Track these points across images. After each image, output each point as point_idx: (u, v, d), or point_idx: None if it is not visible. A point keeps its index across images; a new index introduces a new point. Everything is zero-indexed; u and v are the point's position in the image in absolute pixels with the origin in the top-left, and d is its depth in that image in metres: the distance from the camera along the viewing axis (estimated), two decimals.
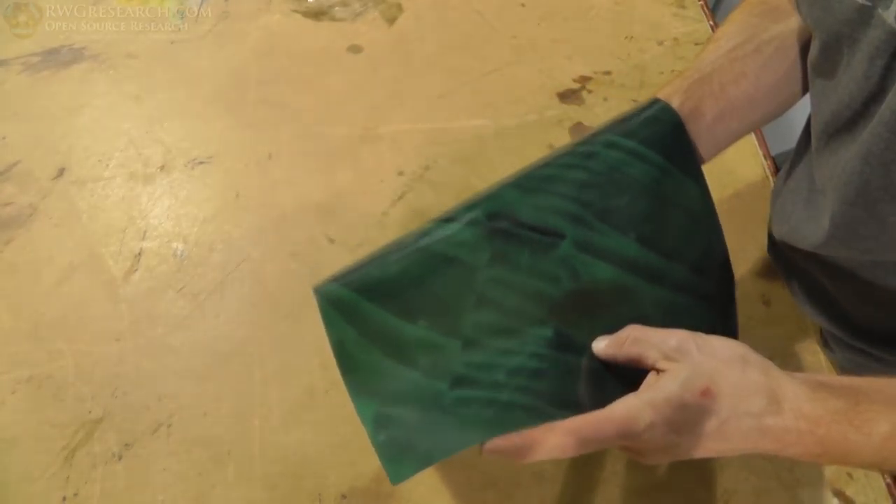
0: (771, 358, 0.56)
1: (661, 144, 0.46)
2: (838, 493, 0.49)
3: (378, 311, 0.40)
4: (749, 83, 0.48)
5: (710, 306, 0.46)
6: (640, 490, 0.50)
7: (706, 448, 0.36)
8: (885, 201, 0.38)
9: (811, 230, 0.47)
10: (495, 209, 0.43)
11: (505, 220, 0.42)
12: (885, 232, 0.39)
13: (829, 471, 0.50)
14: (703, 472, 0.50)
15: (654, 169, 0.46)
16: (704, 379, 0.35)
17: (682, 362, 0.36)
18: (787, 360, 0.55)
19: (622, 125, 0.47)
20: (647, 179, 0.46)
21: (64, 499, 0.49)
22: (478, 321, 0.40)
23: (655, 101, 0.48)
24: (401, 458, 0.36)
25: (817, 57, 0.43)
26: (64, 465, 0.51)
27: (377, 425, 0.37)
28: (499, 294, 0.41)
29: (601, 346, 0.40)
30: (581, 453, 0.35)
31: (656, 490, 0.50)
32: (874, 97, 0.37)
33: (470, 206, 0.43)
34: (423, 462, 0.36)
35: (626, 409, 0.35)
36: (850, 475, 0.50)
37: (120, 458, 0.51)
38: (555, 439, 0.34)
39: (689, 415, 0.34)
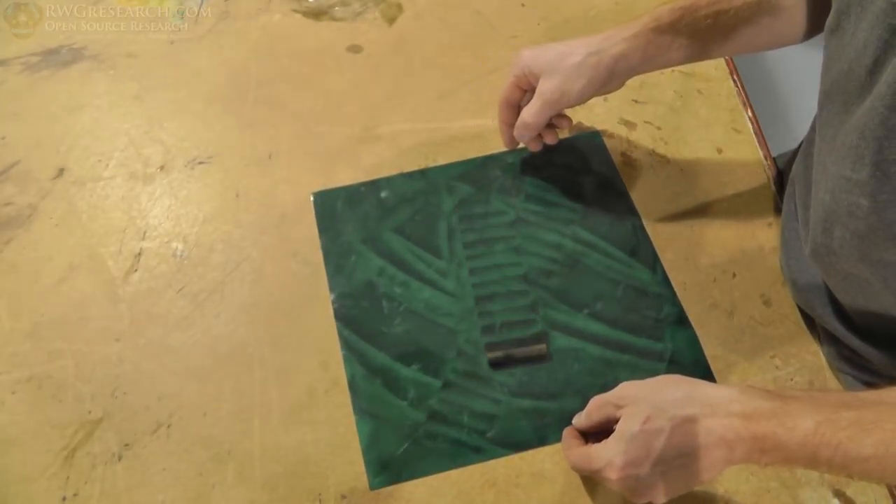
0: (771, 358, 0.56)
1: (624, 241, 0.60)
2: (838, 494, 0.49)
3: (385, 357, 0.55)
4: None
5: (661, 363, 0.55)
6: None
7: (671, 467, 0.39)
8: (875, 178, 0.38)
9: (801, 246, 0.47)
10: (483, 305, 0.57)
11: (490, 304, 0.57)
12: (876, 212, 0.40)
13: None
14: None
15: (613, 261, 0.59)
16: (645, 410, 0.41)
17: (628, 405, 0.42)
18: (787, 361, 0.55)
19: (592, 218, 0.61)
20: (602, 268, 0.59)
21: (64, 499, 0.49)
22: (456, 368, 0.54)
23: (620, 196, 0.62)
24: (379, 471, 0.50)
25: (831, 22, 0.44)
26: (64, 465, 0.51)
27: (369, 442, 0.51)
28: (475, 350, 0.55)
29: (578, 420, 0.48)
30: (580, 473, 0.45)
31: None
32: (872, 70, 0.38)
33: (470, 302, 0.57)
34: (395, 478, 0.49)
35: (598, 448, 0.42)
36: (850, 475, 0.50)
37: (120, 458, 0.51)
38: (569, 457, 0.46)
39: (640, 443, 0.40)
